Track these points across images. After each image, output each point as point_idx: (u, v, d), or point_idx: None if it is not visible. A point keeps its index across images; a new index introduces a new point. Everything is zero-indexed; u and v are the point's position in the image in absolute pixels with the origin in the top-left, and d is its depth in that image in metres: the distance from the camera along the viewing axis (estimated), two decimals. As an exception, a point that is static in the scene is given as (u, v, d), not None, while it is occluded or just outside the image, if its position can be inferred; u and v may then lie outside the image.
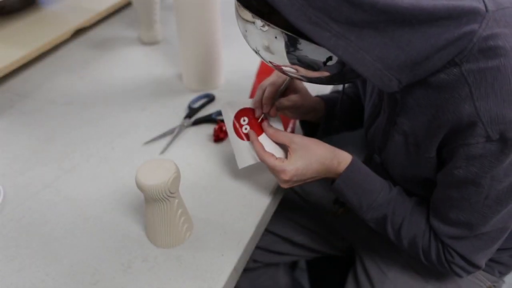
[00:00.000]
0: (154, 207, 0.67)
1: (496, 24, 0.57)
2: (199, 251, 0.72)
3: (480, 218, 0.66)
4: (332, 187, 0.75)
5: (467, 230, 0.68)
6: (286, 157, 0.76)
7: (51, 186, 0.85)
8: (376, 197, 0.73)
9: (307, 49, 0.59)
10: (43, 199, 0.82)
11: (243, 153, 0.80)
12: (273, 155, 0.75)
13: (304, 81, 0.67)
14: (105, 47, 1.25)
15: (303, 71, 0.63)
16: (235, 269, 0.71)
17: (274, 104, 0.80)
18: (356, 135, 1.04)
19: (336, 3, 0.53)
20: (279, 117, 0.83)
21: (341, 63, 0.60)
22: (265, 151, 0.76)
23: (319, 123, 0.91)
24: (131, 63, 1.19)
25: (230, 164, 0.86)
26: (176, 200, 0.68)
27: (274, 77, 0.82)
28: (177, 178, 0.66)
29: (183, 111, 1.04)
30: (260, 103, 0.79)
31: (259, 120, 0.79)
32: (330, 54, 0.59)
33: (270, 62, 0.66)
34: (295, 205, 1.05)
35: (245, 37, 0.67)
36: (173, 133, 0.97)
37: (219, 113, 1.00)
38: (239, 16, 0.65)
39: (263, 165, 0.79)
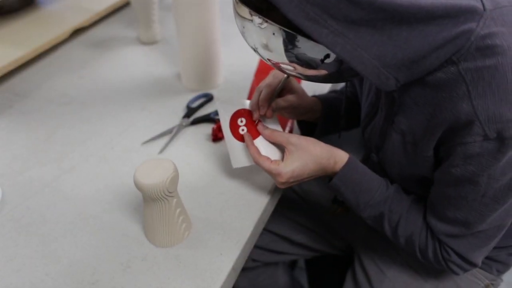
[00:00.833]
0: (153, 207, 0.68)
1: (493, 23, 0.57)
2: (198, 250, 0.72)
3: (477, 216, 0.66)
4: (329, 185, 0.76)
5: (464, 228, 0.68)
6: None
7: (50, 186, 0.85)
8: (373, 195, 0.74)
9: (305, 46, 0.59)
10: (43, 199, 0.82)
11: (238, 153, 0.80)
12: (268, 158, 0.75)
13: (302, 79, 0.67)
14: (104, 47, 1.25)
15: (301, 69, 0.63)
16: (233, 268, 0.71)
17: (270, 105, 0.80)
18: (352, 135, 1.04)
19: (335, 0, 0.53)
20: (276, 117, 0.83)
21: (339, 61, 0.61)
22: (260, 155, 0.76)
23: (317, 123, 0.91)
24: (130, 63, 1.19)
25: (228, 163, 0.86)
26: (175, 200, 0.69)
27: (270, 78, 0.82)
28: (175, 177, 0.66)
29: (182, 111, 1.04)
30: (257, 106, 0.79)
31: (256, 122, 0.79)
32: (328, 51, 0.59)
33: (269, 60, 0.66)
34: (294, 204, 1.05)
35: (243, 34, 0.67)
36: (172, 133, 0.97)
37: (217, 112, 1.00)
38: (237, 13, 0.65)
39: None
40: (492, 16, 0.58)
